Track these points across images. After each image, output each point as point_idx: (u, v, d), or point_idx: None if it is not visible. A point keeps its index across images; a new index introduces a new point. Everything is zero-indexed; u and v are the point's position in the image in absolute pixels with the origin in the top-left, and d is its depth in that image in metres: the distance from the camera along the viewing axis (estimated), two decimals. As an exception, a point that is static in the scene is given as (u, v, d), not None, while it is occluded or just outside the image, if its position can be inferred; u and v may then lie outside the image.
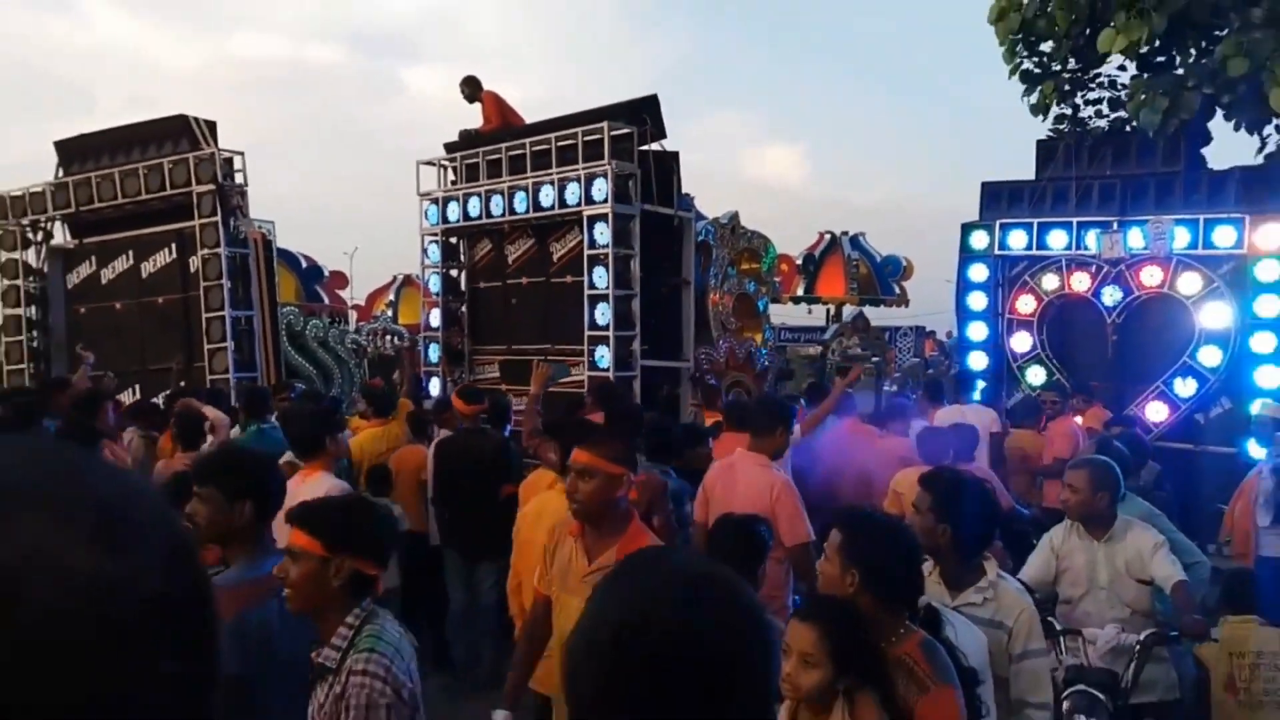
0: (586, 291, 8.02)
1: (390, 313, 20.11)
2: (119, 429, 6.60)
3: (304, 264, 16.39)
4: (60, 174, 10.52)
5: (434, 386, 9.37)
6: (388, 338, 15.12)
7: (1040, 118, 9.87)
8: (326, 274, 17.61)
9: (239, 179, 9.51)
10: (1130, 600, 3.67)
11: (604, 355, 7.90)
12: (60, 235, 10.84)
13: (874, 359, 14.27)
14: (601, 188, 7.87)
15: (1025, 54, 9.63)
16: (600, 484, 2.94)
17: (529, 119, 9.60)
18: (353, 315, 19.91)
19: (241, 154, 9.54)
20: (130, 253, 10.26)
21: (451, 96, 9.62)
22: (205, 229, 9.36)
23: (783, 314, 21.37)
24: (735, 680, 0.94)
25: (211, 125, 9.78)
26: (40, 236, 10.86)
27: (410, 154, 22.80)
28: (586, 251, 8.03)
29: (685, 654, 0.93)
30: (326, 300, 16.79)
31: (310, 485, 3.80)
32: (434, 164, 9.72)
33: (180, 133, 9.75)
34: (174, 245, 9.89)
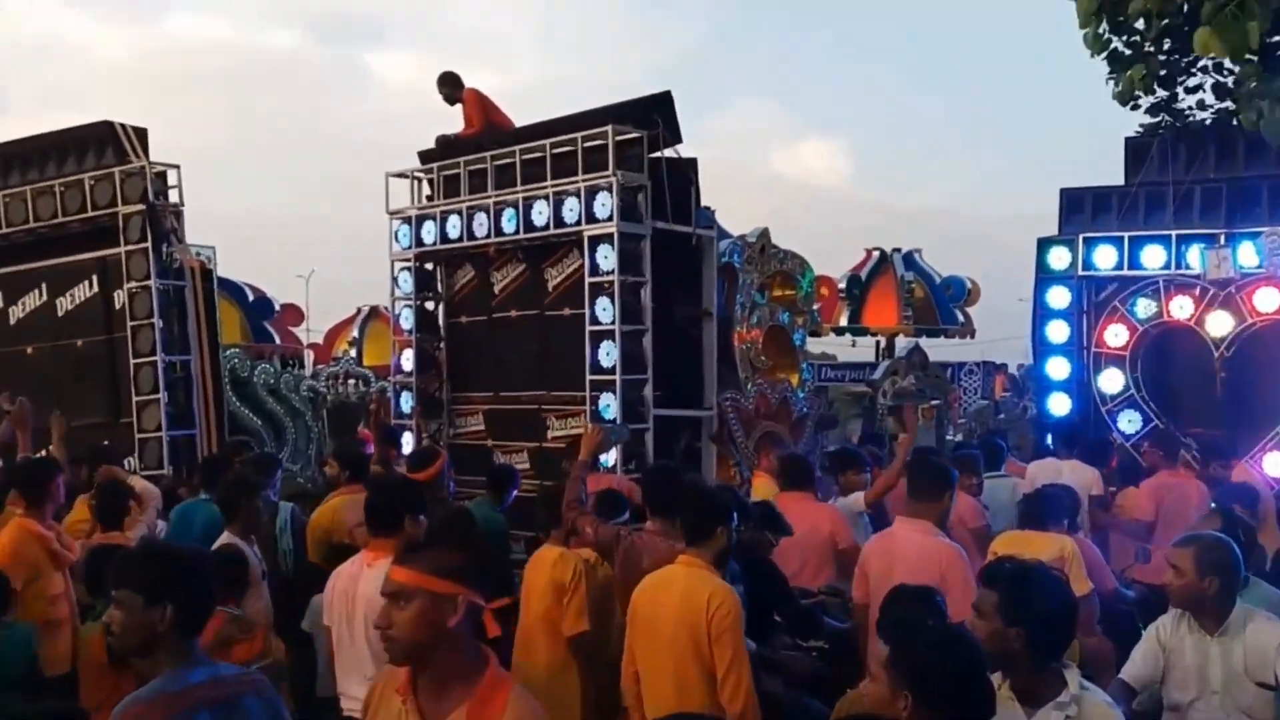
0: (588, 327, 8.05)
1: (354, 353, 20.23)
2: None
3: (251, 296, 16.52)
4: (-40, 193, 10.64)
5: (407, 443, 9.38)
6: (350, 382, 15.20)
7: (1130, 107, 9.91)
8: (278, 308, 17.74)
9: (173, 197, 9.61)
10: (1249, 708, 3.62)
11: (610, 404, 7.91)
12: (-40, 266, 10.95)
13: (935, 401, 14.25)
14: (605, 203, 7.93)
15: (1111, 34, 9.68)
16: (421, 610, 2.56)
17: (519, 121, 9.70)
18: (309, 357, 20.08)
19: (176, 167, 9.65)
20: (44, 286, 10.34)
21: (426, 88, 9.77)
22: (133, 257, 9.43)
23: (823, 347, 21.40)
24: None
25: (141, 133, 9.89)
26: (-63, 267, 10.97)
27: (378, 160, 22.95)
28: (588, 279, 8.07)
29: None
30: (278, 340, 16.91)
31: (377, 572, 3.68)
32: (406, 176, 9.83)
33: (104, 142, 9.86)
34: (96, 277, 9.97)
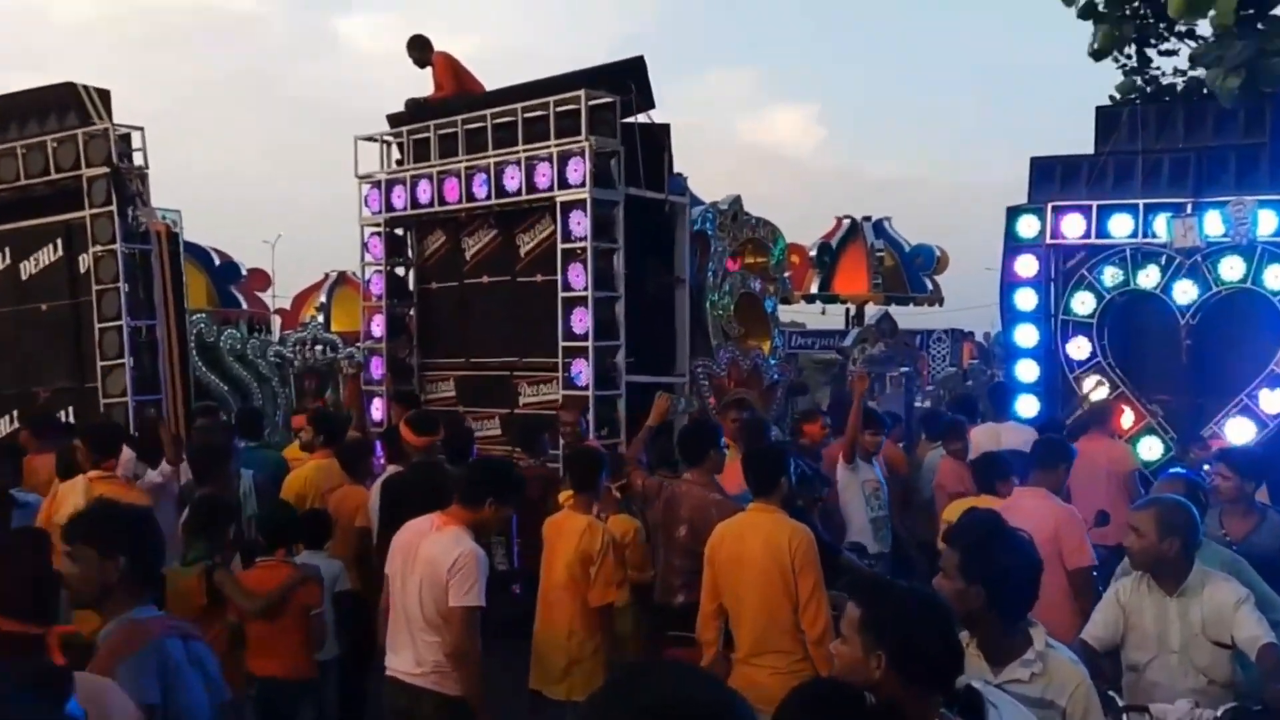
0: (561, 293, 8.08)
1: (321, 318, 20.13)
2: None
3: (217, 261, 16.41)
4: (-80, 156, 10.48)
5: (376, 409, 9.38)
6: (318, 348, 15.12)
7: (1104, 58, 9.91)
8: (244, 273, 17.63)
9: (138, 159, 9.47)
10: (1206, 667, 3.71)
11: (582, 370, 7.95)
12: (-81, 230, 10.79)
13: (904, 369, 14.39)
14: (578, 168, 7.94)
15: None
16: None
17: (490, 84, 9.67)
18: (276, 322, 19.95)
19: (141, 129, 9.53)
20: (7, 250, 10.22)
21: (395, 51, 9.72)
22: (98, 220, 9.31)
23: (792, 315, 21.50)
24: None
25: (105, 95, 9.77)
26: (-104, 231, 10.81)
27: (344, 121, 22.70)
28: (560, 245, 8.09)
29: None
30: (244, 305, 16.82)
31: (447, 539, 4.20)
32: (375, 140, 9.79)
33: (66, 104, 9.72)
34: (60, 241, 9.85)
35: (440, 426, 6.56)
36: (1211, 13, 8.19)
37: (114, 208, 9.21)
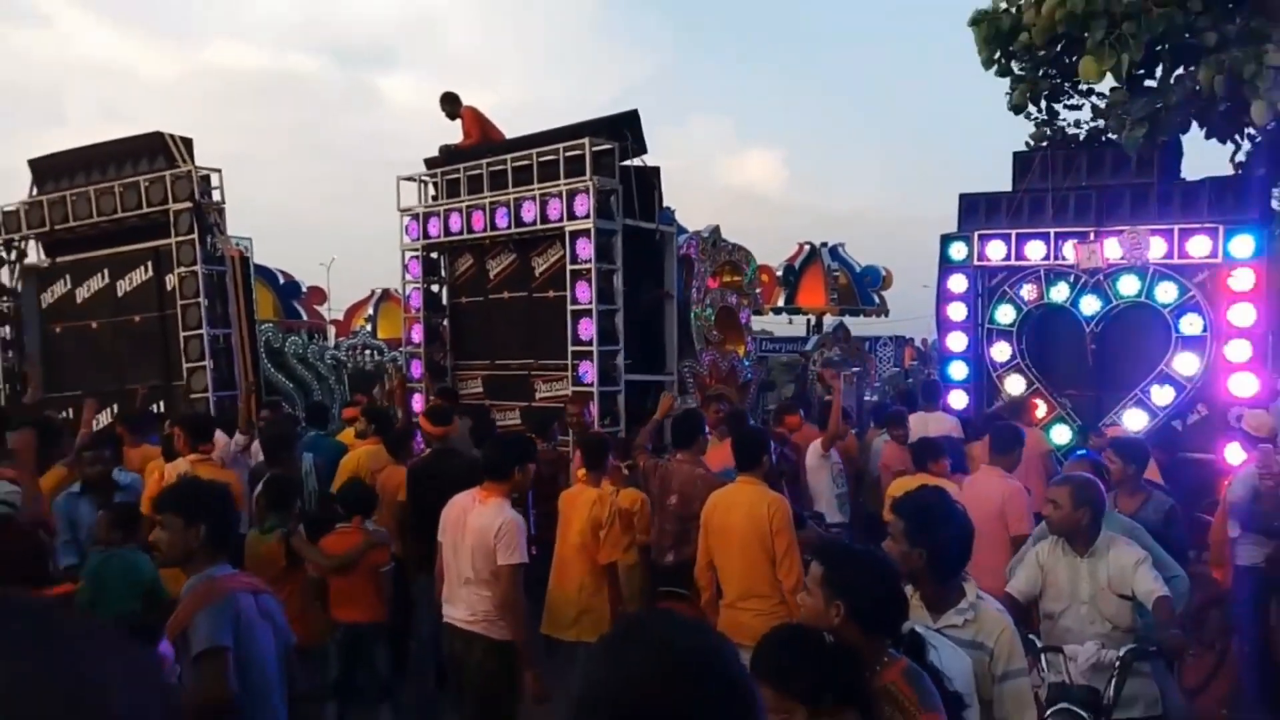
0: (570, 306, 8.08)
1: (369, 327, 20.03)
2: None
3: (281, 280, 16.33)
4: (34, 192, 10.46)
5: (417, 403, 9.35)
6: (367, 353, 15.07)
7: (1020, 115, 9.97)
8: (304, 289, 17.54)
9: (216, 196, 9.48)
10: (1111, 615, 3.72)
11: (588, 370, 7.94)
12: (34, 254, 10.76)
13: (855, 369, 14.36)
14: (583, 203, 7.95)
15: (1003, 60, 9.75)
16: None
17: (507, 127, 9.67)
18: (331, 330, 19.83)
19: (219, 171, 9.52)
20: (105, 271, 10.20)
21: (429, 106, 9.72)
22: (182, 247, 9.31)
23: (762, 325, 21.47)
24: None
25: (188, 142, 9.74)
26: (14, 255, 10.78)
27: (387, 163, 22.68)
28: (569, 266, 8.08)
29: None
30: (305, 316, 16.72)
31: (491, 510, 4.26)
32: (414, 179, 9.76)
33: (156, 150, 9.71)
34: (150, 263, 9.84)
35: (454, 419, 6.52)
36: (1115, 67, 8.20)
37: (195, 236, 9.22)
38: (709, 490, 4.99)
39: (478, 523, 4.27)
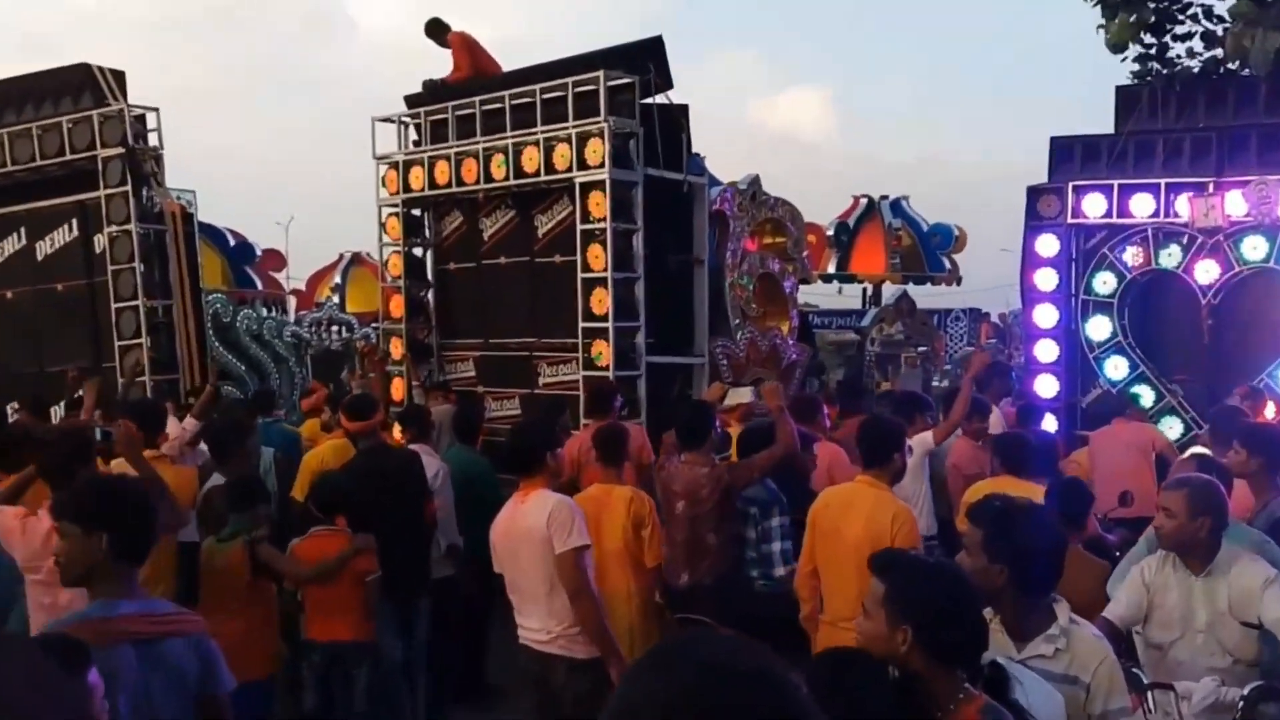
0: (580, 274, 8.11)
1: (336, 299, 20.21)
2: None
3: (232, 241, 16.42)
4: (-63, 136, 10.54)
5: (396, 389, 9.45)
6: (334, 329, 15.22)
7: (1121, 57, 9.96)
8: (259, 253, 17.64)
9: (153, 140, 9.55)
10: (1233, 646, 3.74)
11: (602, 352, 7.99)
12: (-63, 210, 10.86)
13: (920, 348, 14.43)
14: (597, 149, 7.95)
15: None
16: None
17: (507, 65, 9.68)
18: (291, 302, 20.00)
19: (156, 110, 9.60)
20: (23, 230, 10.30)
21: (409, 36, 9.80)
22: (113, 201, 9.39)
23: (810, 294, 21.50)
24: None
25: (120, 76, 9.81)
26: (-87, 211, 10.89)
27: (358, 102, 22.73)
28: (579, 226, 8.12)
29: None
30: (260, 285, 16.83)
31: (535, 503, 4.44)
32: (393, 121, 9.82)
33: (82, 85, 9.77)
34: (75, 221, 9.93)
35: (378, 410, 6.60)
36: None
37: (129, 188, 9.28)
38: (716, 484, 5.19)
39: (525, 524, 4.44)
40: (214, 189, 16.52)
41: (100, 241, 9.62)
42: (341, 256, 22.06)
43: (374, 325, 12.32)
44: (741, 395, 7.60)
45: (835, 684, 2.27)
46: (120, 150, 9.31)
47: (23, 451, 5.27)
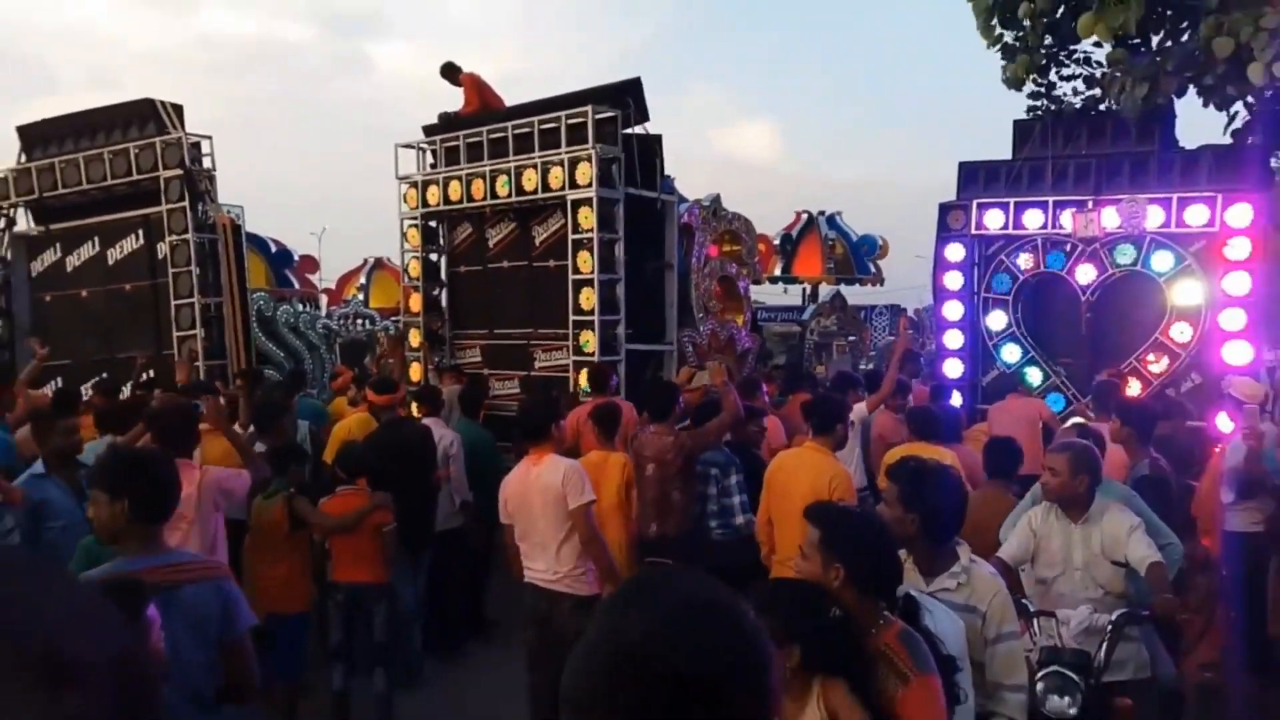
0: (571, 276, 8.15)
1: (361, 296, 20.06)
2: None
3: (273, 248, 16.28)
4: (23, 159, 10.44)
5: (415, 371, 9.48)
6: (359, 321, 15.15)
7: (1017, 90, 10.07)
8: (296, 258, 17.48)
9: (207, 163, 9.47)
10: (1104, 581, 3.84)
11: (589, 340, 8.06)
12: (24, 222, 10.76)
13: (850, 338, 14.55)
14: (586, 171, 7.99)
15: (1001, 29, 9.82)
16: None
17: (509, 97, 9.69)
18: (323, 299, 19.84)
19: (209, 138, 9.52)
20: (96, 239, 10.21)
21: (422, 74, 9.80)
22: (173, 214, 9.32)
23: (760, 293, 21.61)
24: (734, 704, 1.04)
25: (178, 109, 9.73)
26: (3, 223, 10.79)
27: (378, 132, 22.66)
28: (570, 236, 8.15)
29: (689, 683, 1.01)
30: (296, 285, 16.69)
31: (549, 466, 4.58)
32: (413, 147, 9.80)
33: (146, 116, 9.70)
34: (141, 231, 9.86)
35: (399, 389, 6.72)
36: (1117, 24, 8.24)
37: (186, 204, 9.22)
38: (680, 450, 5.38)
39: (542, 481, 4.56)
40: (259, 204, 16.46)
41: (162, 249, 9.57)
42: (366, 261, 21.86)
43: (394, 319, 12.29)
44: (703, 378, 7.69)
45: (772, 603, 2.35)
46: (179, 171, 9.26)
47: (134, 420, 5.39)
